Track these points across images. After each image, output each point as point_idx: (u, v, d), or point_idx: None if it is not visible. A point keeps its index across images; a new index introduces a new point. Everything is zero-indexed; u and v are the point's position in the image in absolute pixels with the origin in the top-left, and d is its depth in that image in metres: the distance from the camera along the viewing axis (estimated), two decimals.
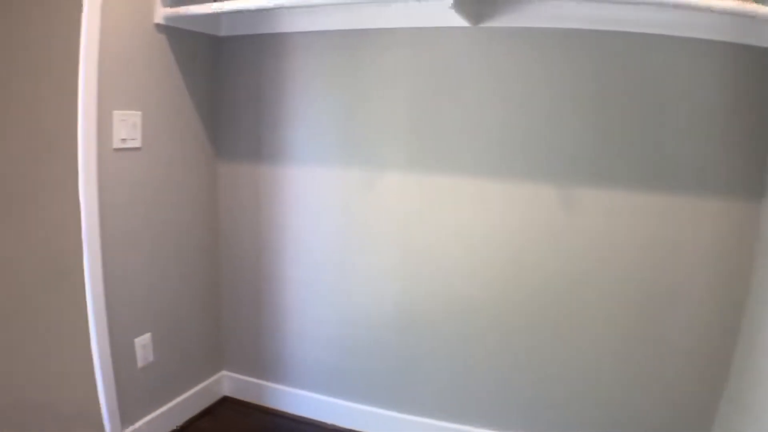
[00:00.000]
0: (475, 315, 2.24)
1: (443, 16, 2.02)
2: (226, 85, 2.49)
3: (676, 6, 1.59)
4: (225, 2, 1.99)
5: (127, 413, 2.15)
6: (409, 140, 2.23)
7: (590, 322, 2.09)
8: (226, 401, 2.70)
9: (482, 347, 2.25)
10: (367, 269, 2.38)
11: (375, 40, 2.22)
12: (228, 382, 2.74)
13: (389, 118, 2.25)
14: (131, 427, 2.17)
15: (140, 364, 2.22)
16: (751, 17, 1.54)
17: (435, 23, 2.10)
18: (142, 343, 2.22)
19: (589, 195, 2.02)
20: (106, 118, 1.95)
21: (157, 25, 2.10)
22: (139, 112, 2.09)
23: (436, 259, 2.26)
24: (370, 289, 2.39)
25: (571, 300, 2.10)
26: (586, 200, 2.03)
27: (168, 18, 2.10)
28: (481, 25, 2.05)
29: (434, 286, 2.28)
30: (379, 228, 2.33)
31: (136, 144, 2.10)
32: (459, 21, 2.01)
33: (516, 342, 2.20)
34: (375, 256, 2.35)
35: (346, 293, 2.43)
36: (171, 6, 2.10)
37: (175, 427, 2.41)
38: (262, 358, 2.66)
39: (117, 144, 2.01)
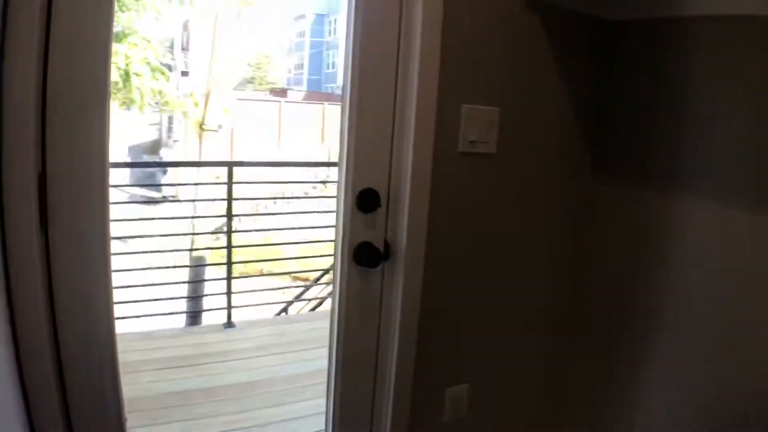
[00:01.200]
0: None
1: None
2: (611, 82, 1.83)
3: None
4: None
5: None
6: None
7: None
8: None
9: None
10: None
11: None
12: None
13: None
14: None
15: (447, 418, 1.79)
16: None
17: None
18: (456, 395, 1.79)
19: None
20: (452, 113, 1.57)
21: (527, 0, 1.61)
22: (497, 109, 1.64)
23: None
24: None
25: None
26: None
27: None
28: None
29: None
30: None
31: (490, 149, 1.66)
32: None
33: None
34: None
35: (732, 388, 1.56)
36: None
37: None
38: None
39: (464, 147, 1.61)
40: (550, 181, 1.83)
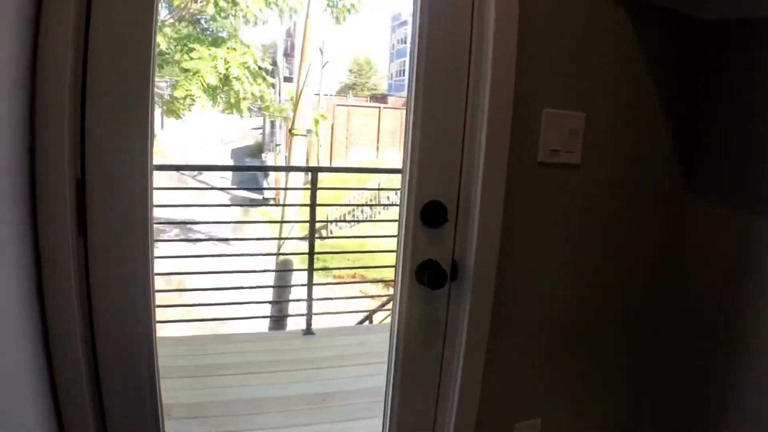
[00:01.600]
0: None
1: None
2: (704, 88, 1.57)
3: None
4: None
5: None
6: None
7: None
8: None
9: None
10: None
11: None
12: None
13: None
14: None
15: None
16: None
17: None
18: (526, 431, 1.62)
19: None
20: (532, 117, 1.40)
21: None
22: (582, 114, 1.45)
23: None
24: None
25: None
26: None
27: None
28: None
29: None
30: None
31: (574, 159, 1.47)
32: None
33: None
34: None
35: None
36: None
37: None
38: None
39: (544, 156, 1.44)
40: (638, 198, 1.60)
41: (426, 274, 1.38)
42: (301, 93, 6.59)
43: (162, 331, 5.02)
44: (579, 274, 1.58)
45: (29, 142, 1.05)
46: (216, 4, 6.04)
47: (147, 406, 1.30)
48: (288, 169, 10.51)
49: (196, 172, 13.90)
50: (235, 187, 13.68)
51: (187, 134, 15.68)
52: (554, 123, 1.42)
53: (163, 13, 7.43)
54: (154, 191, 1.22)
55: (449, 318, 1.46)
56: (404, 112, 1.44)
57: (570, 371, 1.66)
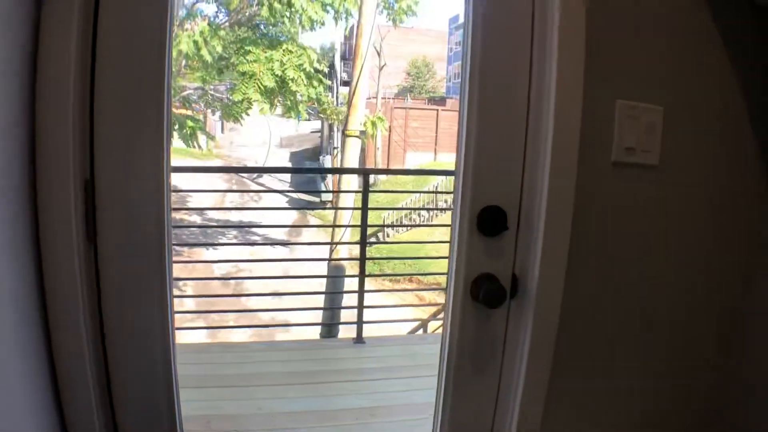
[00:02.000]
0: None
1: None
2: None
3: None
4: None
5: None
6: None
7: None
8: None
9: None
10: None
11: None
12: None
13: None
14: None
15: None
16: None
17: None
18: None
19: None
20: (603, 110, 1.21)
21: None
22: (660, 108, 1.24)
23: None
24: None
25: None
26: None
27: None
28: None
29: None
30: None
31: (652, 159, 1.27)
32: None
33: None
34: None
35: None
36: None
37: None
38: None
39: (618, 155, 1.24)
40: (719, 206, 1.37)
41: (482, 291, 1.21)
42: (354, 92, 6.46)
43: (215, 336, 5.01)
44: (652, 293, 1.37)
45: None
46: (270, 7, 6.00)
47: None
48: (336, 171, 10.44)
49: (256, 175, 14.10)
50: (292, 189, 13.78)
51: (246, 138, 15.96)
52: (629, 117, 1.22)
53: (220, 16, 7.53)
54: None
55: (507, 340, 1.27)
56: None
57: (644, 408, 1.44)
